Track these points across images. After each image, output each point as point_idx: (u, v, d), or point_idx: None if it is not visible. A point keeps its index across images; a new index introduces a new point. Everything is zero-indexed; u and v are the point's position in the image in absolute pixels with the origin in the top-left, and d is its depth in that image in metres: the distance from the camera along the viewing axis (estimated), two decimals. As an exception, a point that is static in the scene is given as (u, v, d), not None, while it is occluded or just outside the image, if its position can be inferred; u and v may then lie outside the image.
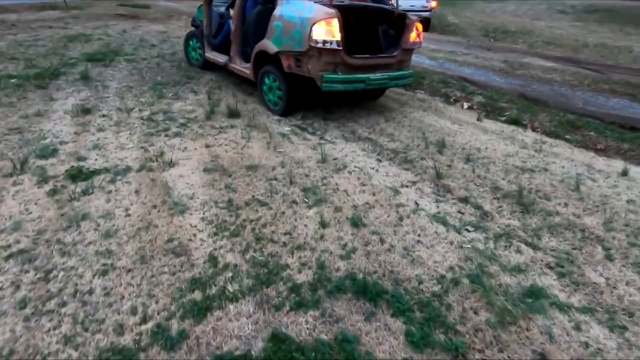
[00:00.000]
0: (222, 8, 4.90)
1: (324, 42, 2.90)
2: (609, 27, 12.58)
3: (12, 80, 4.24)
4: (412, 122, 3.79)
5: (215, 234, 2.03)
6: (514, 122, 4.00)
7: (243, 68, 4.02)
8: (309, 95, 3.68)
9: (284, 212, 2.25)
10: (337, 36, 2.91)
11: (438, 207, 2.39)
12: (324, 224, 2.14)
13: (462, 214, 2.33)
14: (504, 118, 4.12)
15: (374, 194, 2.48)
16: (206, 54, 4.85)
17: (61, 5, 11.63)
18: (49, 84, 4.25)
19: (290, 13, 3.13)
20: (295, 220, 2.19)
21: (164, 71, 5.11)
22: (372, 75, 3.19)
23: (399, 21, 3.52)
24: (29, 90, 4.01)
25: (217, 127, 3.40)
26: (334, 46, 2.94)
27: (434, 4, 10.39)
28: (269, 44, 3.37)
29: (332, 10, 2.93)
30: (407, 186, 2.62)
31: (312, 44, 2.92)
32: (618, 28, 12.44)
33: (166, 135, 3.16)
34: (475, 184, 2.69)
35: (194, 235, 2.01)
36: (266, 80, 3.64)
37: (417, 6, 10.30)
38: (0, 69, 4.68)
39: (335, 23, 2.90)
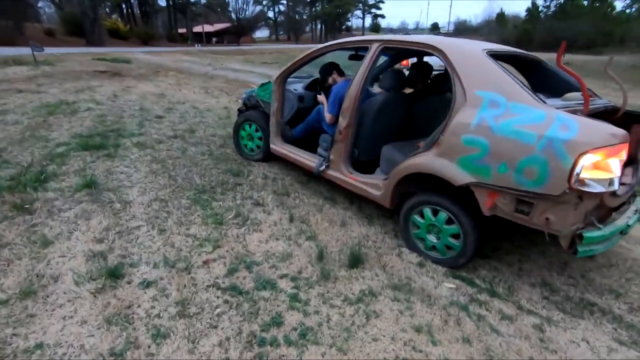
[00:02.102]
0: (299, 87, 3.70)
1: (597, 182, 1.67)
2: None
3: (-29, 198, 2.67)
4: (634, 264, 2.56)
5: None
6: None
7: (361, 183, 2.72)
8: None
9: None
10: (618, 172, 1.71)
11: None
12: None
13: None
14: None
15: None
16: (273, 146, 3.55)
17: (28, 60, 10.02)
18: (34, 201, 2.71)
19: (514, 125, 1.86)
20: None
21: (195, 163, 3.70)
22: (630, 218, 1.99)
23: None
24: (0, 220, 2.46)
25: (350, 296, 2.01)
26: (612, 187, 1.72)
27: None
28: (448, 168, 2.10)
29: (619, 131, 1.73)
30: None
31: (576, 186, 1.69)
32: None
33: (286, 340, 1.72)
34: None
35: None
36: (428, 215, 2.34)
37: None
38: (-50, 171, 3.10)
39: (624, 153, 1.71)
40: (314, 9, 62.42)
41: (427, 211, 2.32)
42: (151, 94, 7.42)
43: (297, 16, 58.67)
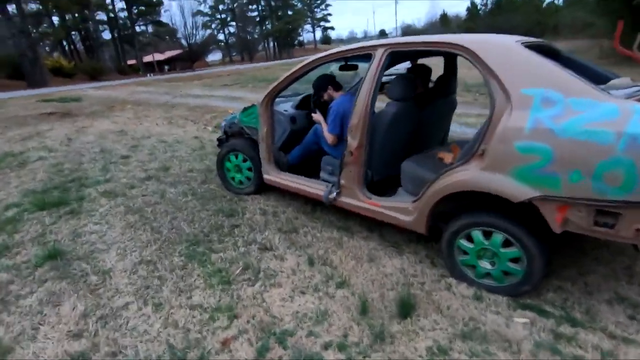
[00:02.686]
0: (288, 106, 3.29)
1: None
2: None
3: None
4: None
5: None
6: None
7: (385, 209, 2.35)
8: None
9: None
10: None
11: None
12: None
13: None
14: None
15: None
16: (267, 176, 3.11)
17: (-38, 111, 8.97)
18: (-18, 290, 2.11)
19: (582, 125, 1.55)
20: None
21: (179, 207, 3.19)
22: None
23: None
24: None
25: None
26: None
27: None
28: (502, 182, 1.75)
29: None
30: None
31: None
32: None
33: None
34: None
35: None
36: (479, 239, 1.98)
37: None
38: None
39: None
40: (264, 28, 62.61)
41: (477, 234, 1.98)
42: (110, 132, 6.74)
43: (248, 36, 58.45)
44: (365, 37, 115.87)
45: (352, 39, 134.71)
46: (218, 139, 3.89)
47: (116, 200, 3.37)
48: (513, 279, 1.95)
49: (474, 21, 44.64)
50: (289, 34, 64.19)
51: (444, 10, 60.35)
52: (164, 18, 43.57)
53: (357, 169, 2.48)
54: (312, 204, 3.13)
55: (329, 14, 77.66)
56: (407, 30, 63.03)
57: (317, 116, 2.98)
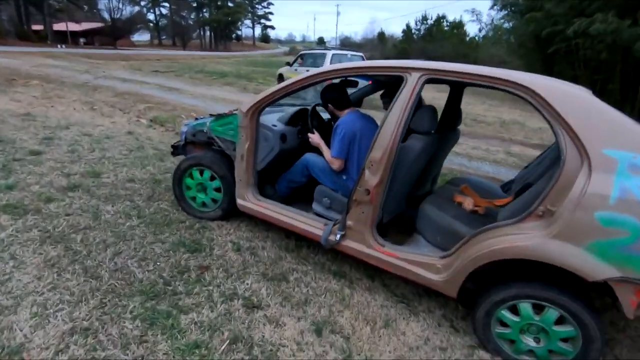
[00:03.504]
0: (275, 119, 2.70)
1: None
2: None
3: None
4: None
5: None
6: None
7: (405, 262, 1.95)
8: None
9: None
10: None
11: None
12: None
13: None
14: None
15: None
16: (242, 202, 2.53)
17: None
18: None
19: None
20: None
21: (122, 236, 2.42)
22: None
23: None
24: None
25: None
26: None
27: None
28: (574, 256, 1.44)
29: None
30: None
31: None
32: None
33: None
34: None
35: None
36: (527, 313, 1.66)
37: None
38: None
39: None
40: (200, 15, 59.05)
41: (526, 307, 1.69)
42: (11, 115, 5.35)
43: (182, 21, 54.41)
44: (304, 41, 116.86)
45: (290, 41, 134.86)
46: (173, 146, 3.16)
47: (26, 220, 2.46)
48: (560, 358, 1.70)
49: (408, 43, 47.71)
50: (227, 26, 61.56)
51: (381, 28, 63.40)
52: (84, -16, 38.42)
53: (372, 210, 2.06)
54: (294, 237, 2.62)
55: (271, 13, 76.57)
56: (345, 42, 64.80)
57: (315, 137, 2.49)
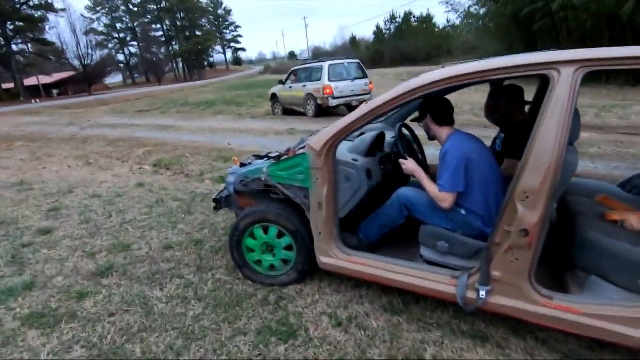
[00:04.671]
0: (351, 153, 2.18)
1: None
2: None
3: None
4: None
5: None
6: None
7: (596, 318, 1.45)
8: None
9: None
10: None
11: None
12: None
13: None
14: None
15: None
16: (325, 260, 2.02)
17: None
18: None
19: None
20: None
21: (191, 335, 1.86)
22: None
23: None
24: None
25: None
26: None
27: (371, 86, 9.51)
28: None
29: None
30: None
31: None
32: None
33: None
34: None
35: None
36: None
37: (358, 90, 9.22)
38: None
39: None
40: (171, 48, 58.77)
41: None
42: (3, 186, 4.75)
43: (153, 57, 53.93)
44: (275, 58, 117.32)
45: (262, 60, 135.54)
46: (215, 200, 2.62)
47: (61, 334, 1.88)
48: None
49: (381, 43, 48.05)
50: (198, 55, 61.41)
51: (352, 33, 63.95)
52: (51, 36, 37.78)
53: (530, 256, 1.55)
54: (395, 292, 2.09)
55: (240, 36, 76.85)
56: (317, 52, 65.08)
57: (410, 164, 1.98)
